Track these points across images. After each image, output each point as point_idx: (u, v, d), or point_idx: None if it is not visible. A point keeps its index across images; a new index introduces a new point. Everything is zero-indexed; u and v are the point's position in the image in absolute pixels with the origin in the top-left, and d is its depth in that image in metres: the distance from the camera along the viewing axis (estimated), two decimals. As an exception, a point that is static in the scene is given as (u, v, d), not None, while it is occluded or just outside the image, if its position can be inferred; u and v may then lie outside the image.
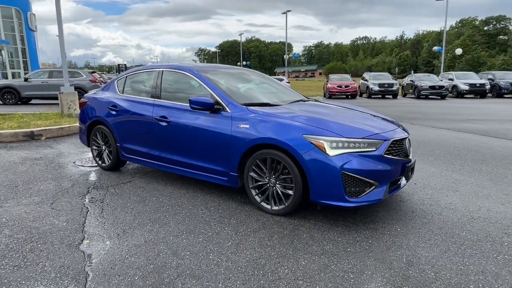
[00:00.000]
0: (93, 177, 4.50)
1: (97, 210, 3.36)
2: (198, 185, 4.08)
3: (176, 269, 2.34)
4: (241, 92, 3.95)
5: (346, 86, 21.12)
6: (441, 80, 21.96)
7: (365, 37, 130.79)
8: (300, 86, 38.59)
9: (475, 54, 66.72)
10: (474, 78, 22.36)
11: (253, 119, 3.25)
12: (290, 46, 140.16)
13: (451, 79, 22.57)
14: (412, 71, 42.61)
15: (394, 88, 21.30)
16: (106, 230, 2.92)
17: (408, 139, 3.41)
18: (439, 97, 20.76)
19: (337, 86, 21.17)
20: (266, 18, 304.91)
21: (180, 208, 3.41)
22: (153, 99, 4.09)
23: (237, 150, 3.28)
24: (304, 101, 4.26)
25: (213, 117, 3.50)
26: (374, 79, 22.18)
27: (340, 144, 2.86)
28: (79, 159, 5.45)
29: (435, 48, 36.21)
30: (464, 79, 22.19)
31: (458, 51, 33.85)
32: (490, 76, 22.95)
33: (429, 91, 20.53)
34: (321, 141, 2.87)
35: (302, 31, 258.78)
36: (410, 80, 22.70)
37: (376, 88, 21.29)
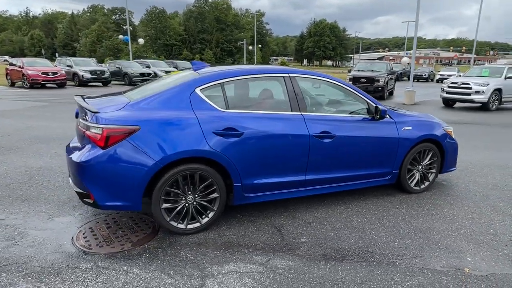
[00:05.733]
0: (200, 253, 2.84)
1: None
2: (336, 199, 3.83)
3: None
4: None
5: (54, 74, 18.09)
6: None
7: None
8: None
9: (114, 41, 71.36)
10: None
11: (410, 122, 3.87)
12: None
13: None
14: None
15: (106, 75, 20.67)
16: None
17: None
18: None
19: (42, 73, 17.65)
20: None
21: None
22: (299, 113, 3.30)
23: (403, 150, 3.78)
24: None
25: (378, 125, 3.65)
26: (82, 65, 20.33)
27: (451, 129, 4.26)
28: (73, 238, 2.79)
29: (121, 37, 37.94)
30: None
31: (141, 40, 38.41)
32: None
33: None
34: (449, 129, 4.19)
35: None
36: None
37: (89, 75, 19.82)
